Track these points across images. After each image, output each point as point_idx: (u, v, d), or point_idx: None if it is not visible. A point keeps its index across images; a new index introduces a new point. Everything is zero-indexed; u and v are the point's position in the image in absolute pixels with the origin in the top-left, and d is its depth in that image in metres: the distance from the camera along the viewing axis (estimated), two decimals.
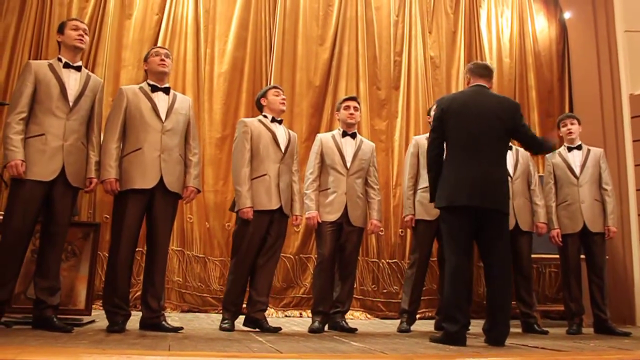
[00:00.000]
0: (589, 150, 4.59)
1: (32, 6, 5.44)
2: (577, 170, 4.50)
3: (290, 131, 4.10)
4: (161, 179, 3.40)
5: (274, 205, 3.77)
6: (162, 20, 5.74)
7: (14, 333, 2.93)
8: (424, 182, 4.26)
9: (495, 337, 3.24)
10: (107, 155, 3.38)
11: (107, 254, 4.78)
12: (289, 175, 3.94)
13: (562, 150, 4.64)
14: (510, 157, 4.49)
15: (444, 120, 3.42)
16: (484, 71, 3.54)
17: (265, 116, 3.98)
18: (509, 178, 4.28)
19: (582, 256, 4.55)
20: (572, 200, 4.46)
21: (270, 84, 5.83)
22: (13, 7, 5.42)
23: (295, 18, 6.11)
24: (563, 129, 4.64)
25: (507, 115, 3.39)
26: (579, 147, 4.59)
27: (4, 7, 5.44)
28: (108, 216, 5.12)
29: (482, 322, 3.45)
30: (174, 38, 5.73)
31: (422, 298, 4.54)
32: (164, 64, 3.58)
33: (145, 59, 3.67)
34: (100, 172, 3.39)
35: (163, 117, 3.49)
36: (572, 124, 4.61)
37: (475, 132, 3.33)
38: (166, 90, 3.59)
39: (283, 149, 3.89)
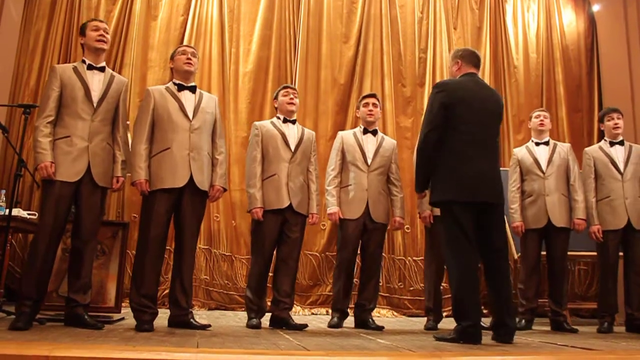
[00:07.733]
0: (631, 147, 4.51)
1: (60, 12, 5.58)
2: (620, 166, 4.41)
3: (306, 130, 4.09)
4: (191, 178, 3.43)
5: (284, 204, 3.78)
6: (187, 21, 5.82)
7: (47, 330, 2.99)
8: None
9: (504, 335, 3.18)
10: (136, 156, 3.40)
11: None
12: (302, 175, 3.93)
13: (603, 144, 4.55)
14: (544, 151, 4.45)
15: (449, 108, 3.26)
16: (477, 60, 3.48)
17: (278, 117, 4.02)
18: (542, 174, 4.37)
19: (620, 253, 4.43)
20: (615, 196, 4.36)
21: (295, 82, 5.85)
22: (43, 14, 5.57)
23: (319, 16, 6.12)
24: (609, 123, 4.55)
25: (501, 110, 3.45)
26: (621, 143, 4.51)
27: (34, 14, 5.57)
28: (136, 215, 5.19)
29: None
30: (199, 38, 5.79)
31: (447, 296, 4.50)
32: (190, 63, 3.58)
33: (172, 57, 3.67)
34: (128, 172, 3.44)
35: (190, 115, 3.50)
36: (619, 118, 4.53)
37: (484, 125, 3.32)
38: (192, 89, 3.60)
39: (293, 148, 3.90)
